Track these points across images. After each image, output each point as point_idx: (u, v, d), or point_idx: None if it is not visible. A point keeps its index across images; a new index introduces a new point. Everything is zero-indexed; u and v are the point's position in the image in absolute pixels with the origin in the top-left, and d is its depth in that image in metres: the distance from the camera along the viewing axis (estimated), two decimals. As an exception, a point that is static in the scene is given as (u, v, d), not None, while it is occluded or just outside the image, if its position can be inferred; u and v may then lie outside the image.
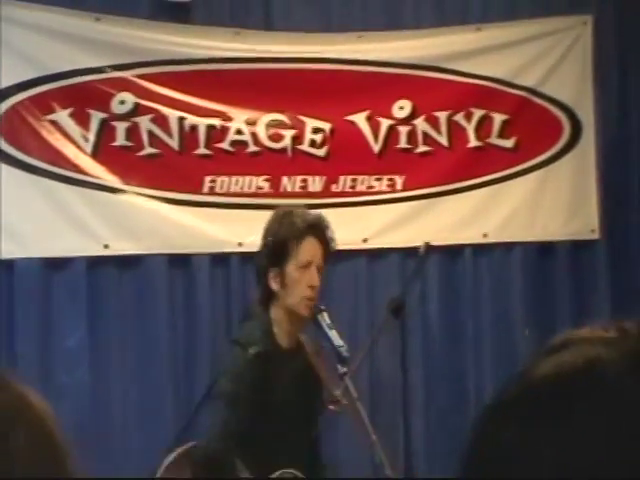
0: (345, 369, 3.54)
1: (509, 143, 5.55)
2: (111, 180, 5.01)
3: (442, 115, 5.47)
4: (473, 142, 5.51)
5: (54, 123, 4.93)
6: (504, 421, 0.83)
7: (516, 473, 0.80)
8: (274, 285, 3.63)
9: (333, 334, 3.58)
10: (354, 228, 5.27)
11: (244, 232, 5.09)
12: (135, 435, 4.82)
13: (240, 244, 5.12)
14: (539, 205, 5.54)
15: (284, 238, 3.63)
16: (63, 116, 4.94)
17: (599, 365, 0.81)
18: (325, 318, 3.61)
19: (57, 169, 4.94)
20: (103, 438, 4.67)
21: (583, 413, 0.80)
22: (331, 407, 3.66)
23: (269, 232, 3.69)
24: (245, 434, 3.51)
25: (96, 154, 4.99)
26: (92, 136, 4.99)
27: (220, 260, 5.12)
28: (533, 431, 0.81)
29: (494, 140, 5.53)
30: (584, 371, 0.82)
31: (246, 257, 5.10)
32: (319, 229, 3.70)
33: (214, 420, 3.58)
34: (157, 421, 4.78)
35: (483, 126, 5.51)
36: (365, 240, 5.35)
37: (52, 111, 4.93)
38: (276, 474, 3.54)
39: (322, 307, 3.66)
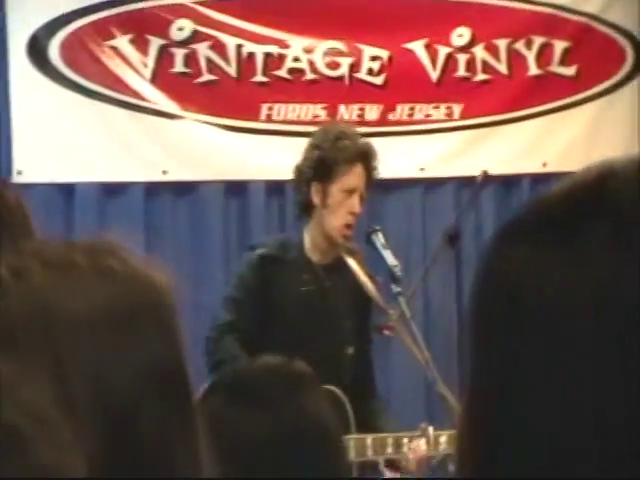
0: (399, 289, 3.74)
1: (570, 71, 5.69)
2: (169, 106, 5.26)
3: (502, 43, 5.63)
4: (533, 70, 5.66)
5: (114, 49, 5.19)
6: (514, 241, 0.82)
7: (524, 294, 0.80)
8: (316, 199, 3.82)
9: (387, 254, 3.77)
10: (411, 157, 5.47)
11: (300, 160, 5.33)
12: (189, 358, 5.11)
13: (296, 172, 5.36)
14: (600, 134, 5.67)
15: (334, 158, 3.79)
16: (123, 42, 5.21)
17: (612, 182, 0.79)
18: (379, 238, 3.81)
19: (117, 94, 5.20)
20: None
21: (591, 233, 0.79)
22: (386, 332, 3.88)
23: (319, 147, 3.85)
24: (257, 342, 3.68)
25: (155, 80, 5.25)
26: (151, 62, 5.24)
27: (276, 187, 5.34)
28: (542, 251, 0.80)
29: (555, 68, 5.68)
30: (596, 188, 0.80)
31: (302, 185, 5.35)
32: (368, 158, 3.84)
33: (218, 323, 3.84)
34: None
35: (544, 54, 5.64)
36: (422, 169, 5.54)
37: (112, 37, 5.19)
38: None
39: (377, 227, 3.87)
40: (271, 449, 1.69)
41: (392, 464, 3.73)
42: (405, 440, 3.63)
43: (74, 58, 5.16)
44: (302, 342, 3.71)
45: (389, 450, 3.66)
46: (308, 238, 3.87)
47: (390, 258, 3.77)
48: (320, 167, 3.83)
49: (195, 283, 5.18)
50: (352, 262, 3.78)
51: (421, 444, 3.59)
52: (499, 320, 0.82)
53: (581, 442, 0.78)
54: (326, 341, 3.81)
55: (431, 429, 3.61)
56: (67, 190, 5.12)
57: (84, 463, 0.78)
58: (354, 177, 3.81)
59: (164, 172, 5.25)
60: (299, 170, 3.92)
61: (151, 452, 0.85)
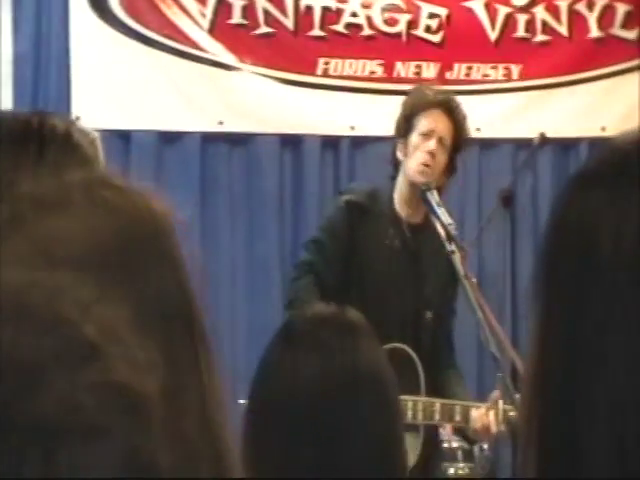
0: (453, 247, 3.76)
1: (632, 34, 5.67)
2: (227, 57, 5.30)
3: (563, 3, 5.61)
4: (594, 32, 5.64)
5: (173, -2, 5.25)
6: (590, 186, 0.84)
7: (601, 238, 0.82)
8: (399, 155, 3.88)
9: (442, 211, 3.77)
10: (467, 116, 5.46)
11: (356, 115, 5.37)
12: (243, 309, 5.21)
13: (352, 127, 5.40)
14: (661, 100, 5.65)
15: (412, 108, 3.87)
16: (182, -9, 5.26)
17: None
18: (434, 195, 3.81)
19: (175, 44, 5.26)
20: (211, 312, 5.00)
21: None
22: None
23: (402, 106, 3.93)
24: (334, 288, 3.71)
25: (213, 31, 5.29)
26: (209, 13, 5.28)
27: (331, 142, 5.39)
28: (618, 196, 0.81)
29: (616, 31, 5.65)
30: None
31: (357, 140, 5.39)
32: (448, 105, 3.89)
33: (299, 264, 3.91)
34: (265, 296, 5.14)
35: (605, 16, 5.62)
36: (478, 129, 5.51)
37: (173, -15, 5.25)
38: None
39: (431, 185, 3.90)
40: (323, 396, 1.72)
41: (456, 429, 3.78)
42: (473, 410, 3.64)
43: (134, 6, 5.21)
44: (380, 296, 3.77)
45: (457, 418, 3.68)
46: (397, 194, 3.91)
47: (445, 216, 3.77)
48: (402, 123, 3.89)
49: (249, 233, 5.27)
50: (439, 226, 3.78)
51: (483, 412, 3.59)
52: (575, 264, 0.83)
53: None
54: (404, 300, 3.82)
55: (501, 402, 3.60)
56: (124, 137, 5.18)
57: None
58: (431, 120, 3.84)
59: (220, 123, 5.30)
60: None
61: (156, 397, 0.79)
